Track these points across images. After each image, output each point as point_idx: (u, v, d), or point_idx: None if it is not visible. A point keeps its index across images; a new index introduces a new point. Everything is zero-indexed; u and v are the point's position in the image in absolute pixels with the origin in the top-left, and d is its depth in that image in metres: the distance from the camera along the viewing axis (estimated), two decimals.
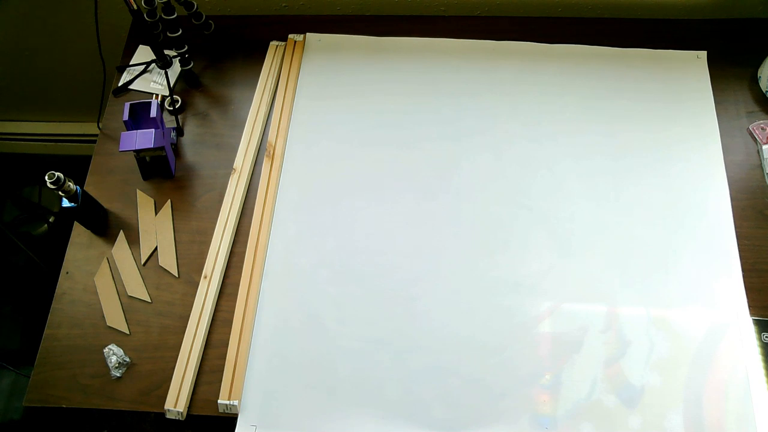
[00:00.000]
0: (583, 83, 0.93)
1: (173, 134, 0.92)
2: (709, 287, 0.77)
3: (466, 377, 0.73)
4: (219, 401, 0.72)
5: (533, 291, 0.78)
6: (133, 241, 0.85)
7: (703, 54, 0.94)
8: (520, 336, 0.75)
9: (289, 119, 0.92)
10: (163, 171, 0.88)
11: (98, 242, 0.85)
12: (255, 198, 0.86)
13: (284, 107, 0.93)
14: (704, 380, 0.72)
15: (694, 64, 0.94)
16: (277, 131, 0.91)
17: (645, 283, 0.78)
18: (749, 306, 0.76)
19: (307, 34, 1.00)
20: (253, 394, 0.73)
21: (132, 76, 0.98)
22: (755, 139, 0.88)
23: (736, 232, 0.80)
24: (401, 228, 0.83)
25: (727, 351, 0.73)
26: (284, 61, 0.97)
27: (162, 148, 0.83)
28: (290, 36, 1.00)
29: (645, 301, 0.77)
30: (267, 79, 0.96)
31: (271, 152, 0.89)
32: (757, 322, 0.75)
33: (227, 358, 0.75)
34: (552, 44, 0.96)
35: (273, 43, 0.99)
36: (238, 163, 0.89)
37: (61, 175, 0.75)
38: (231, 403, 0.72)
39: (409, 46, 0.98)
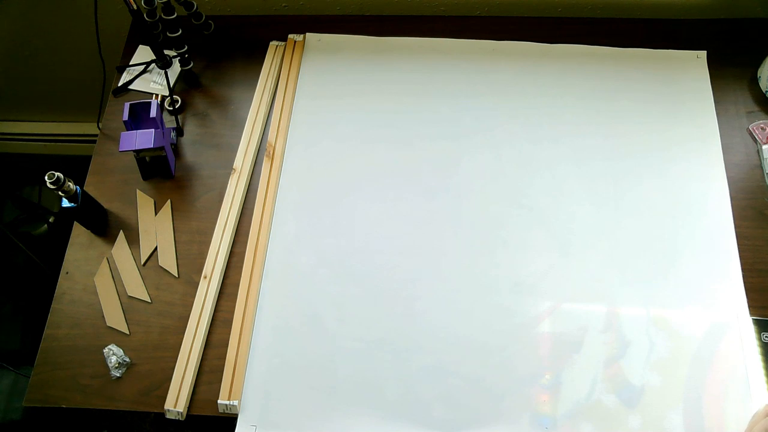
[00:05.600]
0: (583, 83, 0.93)
1: (173, 134, 0.92)
2: (709, 287, 0.77)
3: (466, 377, 0.73)
4: (219, 401, 0.72)
5: (533, 291, 0.78)
6: (133, 241, 0.85)
7: (703, 54, 0.94)
8: (520, 336, 0.75)
9: (289, 119, 0.92)
10: (163, 171, 0.88)
11: (98, 242, 0.85)
12: (255, 198, 0.86)
13: (284, 107, 0.93)
14: (704, 380, 0.72)
15: (694, 64, 0.94)
16: (277, 131, 0.91)
17: (645, 282, 0.78)
18: (749, 306, 0.76)
19: (307, 34, 1.00)
20: (253, 394, 0.73)
21: (132, 76, 0.98)
22: (755, 139, 0.88)
23: (736, 232, 0.80)
24: (401, 228, 0.83)
25: (727, 351, 0.73)
26: (284, 61, 0.97)
27: (162, 148, 0.83)
28: (290, 36, 1.00)
29: (645, 301, 0.77)
30: (267, 79, 0.96)
31: (271, 152, 0.89)
32: (757, 322, 0.75)
33: (227, 358, 0.75)
34: (552, 44, 0.96)
35: (273, 43, 0.99)
36: (237, 163, 0.89)
37: (61, 175, 0.75)
38: (231, 403, 0.72)
39: (409, 46, 0.98)
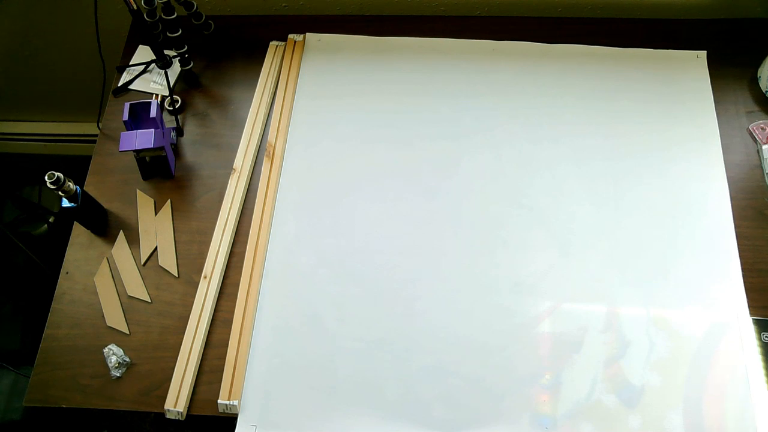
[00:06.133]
0: (583, 83, 0.93)
1: (173, 134, 0.92)
2: (709, 287, 0.77)
3: (466, 377, 0.73)
4: (219, 401, 0.72)
5: (533, 291, 0.78)
6: (133, 241, 0.85)
7: (703, 54, 0.94)
8: (520, 336, 0.75)
9: (289, 119, 0.92)
10: (162, 171, 0.88)
11: (98, 242, 0.85)
12: (255, 198, 0.86)
13: (284, 107, 0.93)
14: (704, 380, 0.72)
15: (694, 64, 0.94)
16: (277, 131, 0.91)
17: (645, 282, 0.78)
18: (749, 306, 0.76)
19: (307, 34, 1.00)
20: (253, 394, 0.73)
21: (132, 76, 0.98)
22: (755, 139, 0.88)
23: (736, 232, 0.80)
24: (401, 228, 0.83)
25: (727, 351, 0.73)
26: (284, 60, 0.97)
27: (162, 148, 0.83)
28: (290, 36, 1.00)
29: (645, 301, 0.77)
30: (267, 79, 0.96)
31: (271, 152, 0.89)
32: (757, 322, 0.75)
33: (227, 358, 0.75)
34: (552, 44, 0.96)
35: (273, 43, 0.99)
36: (237, 163, 0.89)
37: (61, 175, 0.75)
38: (231, 403, 0.72)
39: (409, 46, 0.98)
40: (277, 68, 0.97)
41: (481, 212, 0.84)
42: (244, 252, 0.82)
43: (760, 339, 0.74)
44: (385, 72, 0.96)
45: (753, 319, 0.75)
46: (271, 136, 0.91)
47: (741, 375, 0.72)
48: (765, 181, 0.84)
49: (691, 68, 0.93)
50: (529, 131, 0.89)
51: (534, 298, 0.78)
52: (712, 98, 0.91)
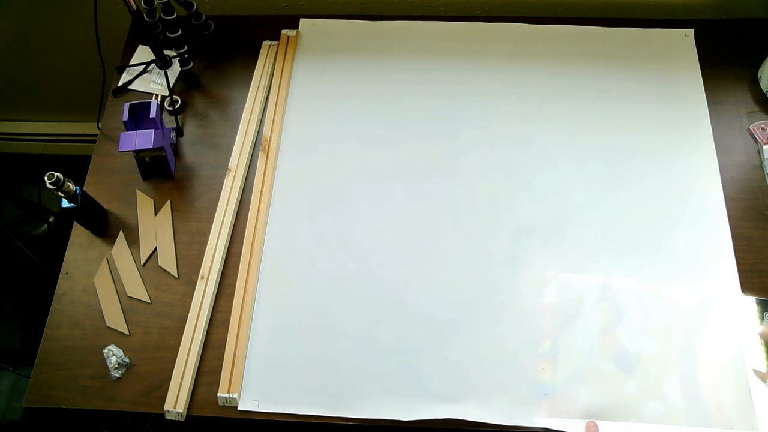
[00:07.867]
0: (577, 72, 0.94)
1: (173, 134, 0.92)
2: (703, 262, 0.78)
3: (465, 350, 0.75)
4: (219, 394, 0.73)
5: (530, 265, 0.79)
6: (133, 241, 0.84)
7: (691, 32, 0.96)
8: (518, 308, 0.77)
9: (284, 114, 0.92)
10: (162, 171, 0.88)
11: (98, 243, 0.85)
12: (251, 198, 0.86)
13: (278, 102, 0.93)
14: (699, 346, 0.73)
15: (683, 42, 0.95)
16: (272, 126, 0.91)
17: (641, 260, 0.79)
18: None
19: (301, 20, 1.00)
20: (252, 394, 0.73)
21: (132, 77, 0.98)
22: (755, 140, 0.87)
23: (736, 233, 0.80)
24: (399, 222, 0.83)
25: (720, 321, 0.75)
26: (278, 55, 0.97)
27: (161, 149, 0.83)
28: (283, 31, 1.00)
29: (640, 275, 0.78)
30: (261, 77, 0.95)
31: (266, 147, 0.89)
32: (760, 302, 0.76)
33: (225, 352, 0.75)
34: (544, 25, 0.98)
35: (266, 43, 0.99)
36: (233, 162, 0.88)
37: (61, 176, 0.75)
38: (230, 396, 0.72)
39: (401, 30, 0.99)
40: (270, 65, 0.97)
41: (480, 192, 0.85)
42: (242, 252, 0.82)
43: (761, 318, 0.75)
44: (381, 67, 0.96)
45: (756, 299, 0.75)
46: (266, 131, 0.91)
47: (734, 342, 0.74)
48: (766, 182, 0.84)
49: (680, 45, 0.95)
50: (526, 120, 0.90)
51: (532, 272, 0.79)
52: (699, 72, 0.92)
